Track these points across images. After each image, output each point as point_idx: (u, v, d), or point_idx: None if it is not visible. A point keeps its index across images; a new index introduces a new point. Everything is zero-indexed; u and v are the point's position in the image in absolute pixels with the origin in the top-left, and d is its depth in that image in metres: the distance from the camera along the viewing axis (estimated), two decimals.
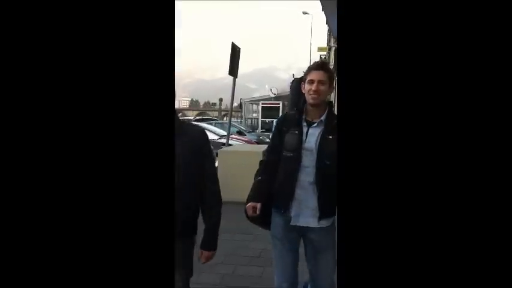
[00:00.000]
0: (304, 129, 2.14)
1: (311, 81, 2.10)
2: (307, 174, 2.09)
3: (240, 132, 15.00)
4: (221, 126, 15.53)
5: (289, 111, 2.60)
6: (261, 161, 2.35)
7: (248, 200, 2.22)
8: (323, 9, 7.22)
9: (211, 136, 10.71)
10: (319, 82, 2.07)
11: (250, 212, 2.18)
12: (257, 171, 2.32)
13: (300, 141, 2.11)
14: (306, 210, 2.12)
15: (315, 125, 2.13)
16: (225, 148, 7.23)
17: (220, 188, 1.96)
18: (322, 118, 2.13)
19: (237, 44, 7.17)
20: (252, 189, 2.26)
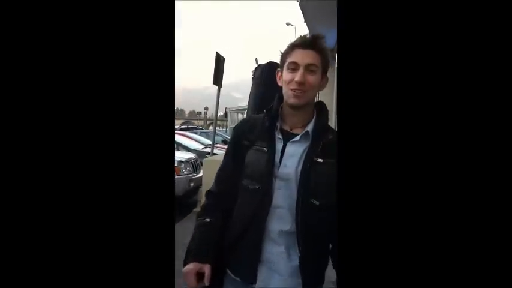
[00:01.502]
0: (279, 145, 1.29)
1: (293, 66, 1.25)
2: (281, 220, 1.25)
3: (225, 142, 14.99)
4: (206, 135, 15.53)
5: (254, 114, 1.60)
6: (207, 192, 1.42)
7: (187, 257, 1.27)
8: (305, 21, 7.35)
9: (196, 145, 10.70)
10: (308, 68, 1.24)
11: (192, 282, 1.22)
12: (202, 207, 1.40)
13: (271, 164, 1.25)
14: (278, 277, 1.25)
15: (297, 138, 1.29)
16: (210, 157, 7.21)
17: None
18: (309, 128, 1.30)
19: (223, 53, 7.23)
20: (194, 238, 1.32)
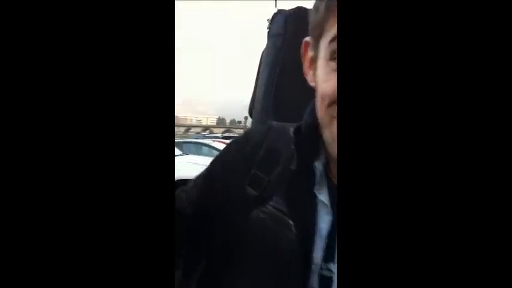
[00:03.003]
0: (324, 218, 0.58)
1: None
2: None
3: None
4: None
5: (275, 125, 0.68)
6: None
7: None
8: None
9: None
10: None
11: None
12: None
13: (304, 265, 0.55)
14: None
15: None
16: None
17: None
18: None
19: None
20: None
